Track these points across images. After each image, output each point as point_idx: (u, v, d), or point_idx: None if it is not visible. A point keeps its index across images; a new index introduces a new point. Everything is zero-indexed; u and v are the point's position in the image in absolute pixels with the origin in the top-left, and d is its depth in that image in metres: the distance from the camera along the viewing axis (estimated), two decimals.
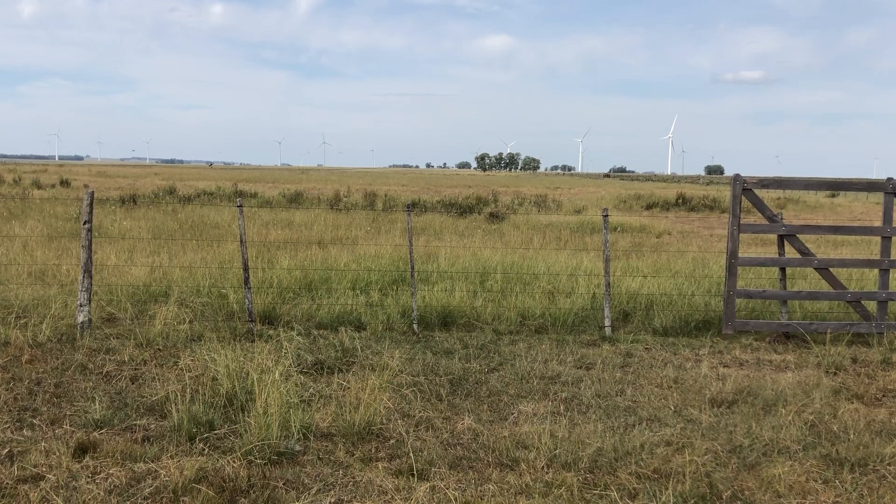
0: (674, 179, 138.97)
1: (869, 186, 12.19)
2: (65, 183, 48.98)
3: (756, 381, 8.68)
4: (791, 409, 7.54)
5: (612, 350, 10.28)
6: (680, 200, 43.30)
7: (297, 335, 9.63)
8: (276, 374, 7.10)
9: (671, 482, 5.79)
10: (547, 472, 6.03)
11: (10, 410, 7.20)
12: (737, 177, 11.68)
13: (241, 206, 11.54)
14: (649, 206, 41.17)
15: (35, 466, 5.85)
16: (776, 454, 6.53)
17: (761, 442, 6.78)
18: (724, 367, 9.49)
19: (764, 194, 54.25)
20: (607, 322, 11.29)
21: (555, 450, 6.36)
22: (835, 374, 9.13)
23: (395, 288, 13.03)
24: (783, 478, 5.94)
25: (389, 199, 36.51)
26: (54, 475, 5.67)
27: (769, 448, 6.67)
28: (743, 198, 11.63)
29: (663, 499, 5.55)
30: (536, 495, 5.64)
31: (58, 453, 6.09)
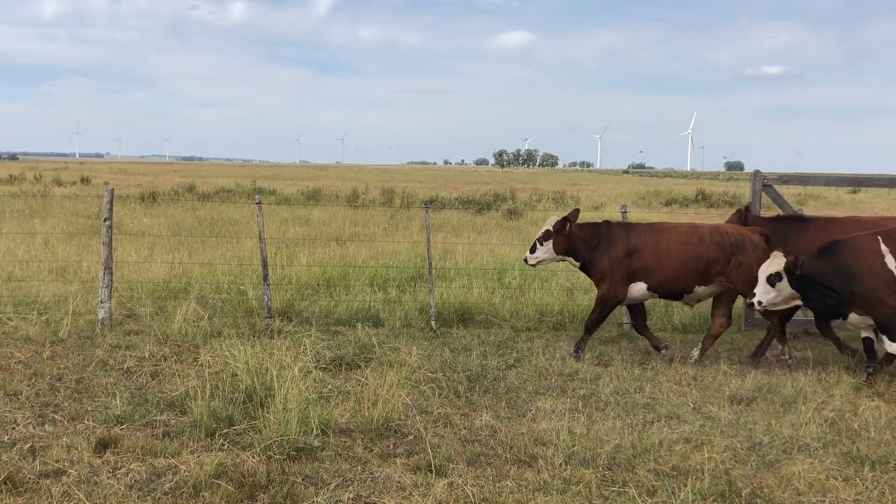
0: (693, 175, 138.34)
1: (891, 182, 12.12)
2: (85, 180, 49.32)
3: (776, 379, 8.63)
4: (811, 407, 7.49)
5: (631, 347, 10.26)
6: (699, 197, 43.04)
7: (316, 331, 9.66)
8: (295, 371, 7.13)
9: (690, 479, 5.77)
10: (565, 469, 6.03)
11: (31, 406, 7.27)
12: (756, 173, 11.63)
13: (259, 203, 11.59)
14: (668, 203, 40.97)
15: (57, 461, 5.91)
16: (796, 451, 6.50)
17: (781, 439, 6.74)
18: (744, 364, 9.44)
19: (784, 190, 53.78)
20: (626, 319, 11.26)
21: (573, 446, 6.36)
22: (855, 371, 9.06)
23: (412, 285, 13.05)
24: (803, 475, 5.90)
25: (407, 195, 36.50)
26: (76, 470, 5.72)
27: (789, 445, 6.63)
28: (763, 194, 11.57)
29: (682, 496, 5.53)
30: (554, 492, 5.64)
31: (79, 448, 6.14)
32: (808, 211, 17.85)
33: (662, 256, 9.48)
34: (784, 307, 9.02)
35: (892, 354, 8.62)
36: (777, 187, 11.74)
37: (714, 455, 6.22)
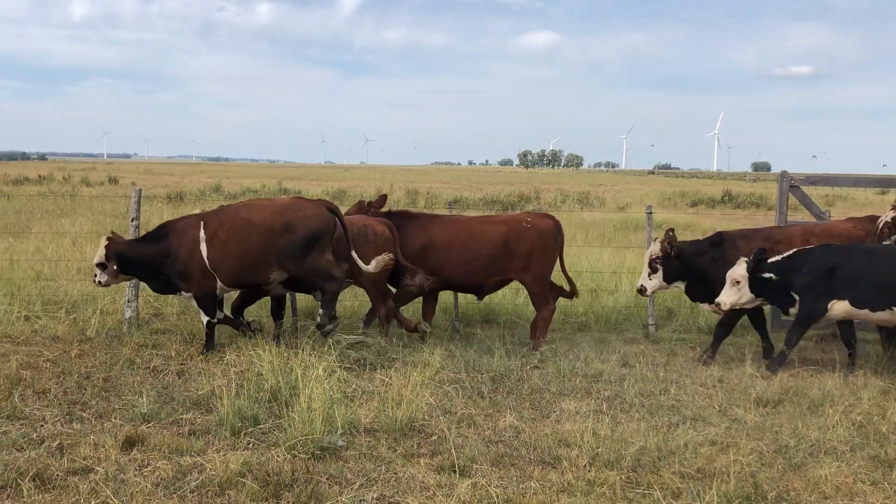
0: (720, 176, 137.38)
1: None
2: (113, 180, 49.79)
3: (802, 381, 8.55)
4: (838, 410, 7.41)
5: (656, 348, 10.21)
6: (726, 197, 42.76)
7: (341, 331, 9.68)
8: (320, 370, 7.16)
9: (715, 482, 5.73)
10: (589, 471, 6.01)
11: (60, 404, 7.36)
12: (784, 173, 11.53)
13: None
14: (694, 204, 40.72)
15: (84, 459, 5.97)
16: (823, 455, 6.44)
17: (808, 442, 6.68)
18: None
19: (811, 191, 53.29)
20: (651, 320, 11.21)
21: (597, 448, 6.33)
22: (883, 373, 8.96)
23: None
24: (830, 479, 5.84)
25: (431, 196, 36.57)
26: (103, 468, 5.78)
27: (816, 448, 6.57)
28: (790, 195, 11.47)
29: (707, 498, 5.50)
30: (578, 493, 5.62)
31: (106, 446, 6.20)
32: (836, 213, 17.62)
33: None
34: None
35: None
36: (804, 188, 11.64)
37: (740, 458, 6.18)
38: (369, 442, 6.60)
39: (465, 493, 5.53)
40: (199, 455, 6.10)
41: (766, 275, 9.01)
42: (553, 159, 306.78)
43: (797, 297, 9.06)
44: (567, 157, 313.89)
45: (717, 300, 9.18)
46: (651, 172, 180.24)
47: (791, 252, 9.17)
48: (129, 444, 6.31)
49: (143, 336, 9.86)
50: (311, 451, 6.17)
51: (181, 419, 7.00)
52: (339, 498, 5.47)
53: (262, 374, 7.57)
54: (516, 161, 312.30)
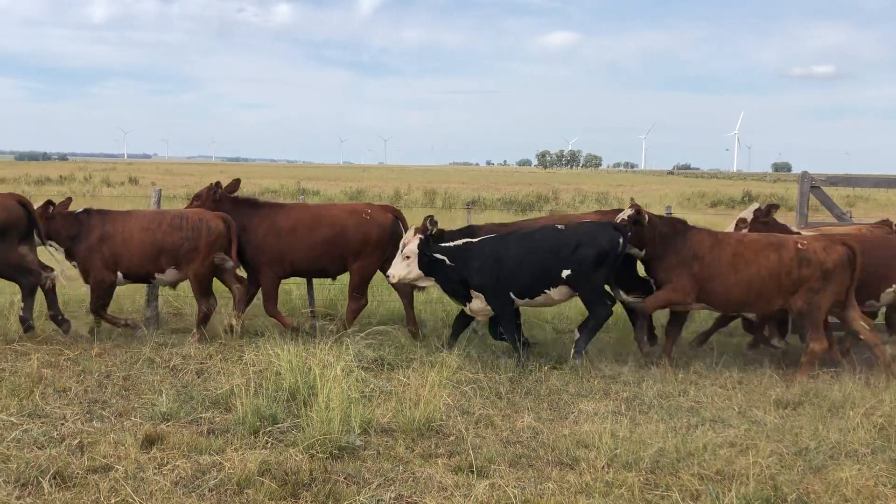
0: (739, 177, 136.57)
1: None
2: (133, 181, 50.09)
3: (823, 383, 8.48)
4: (859, 412, 7.33)
5: (675, 349, 10.14)
6: (746, 198, 42.51)
7: (358, 331, 9.69)
8: (338, 370, 7.17)
9: (734, 484, 5.71)
10: (607, 472, 5.99)
11: (80, 402, 7.41)
12: (804, 174, 11.45)
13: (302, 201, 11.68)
14: (714, 204, 40.52)
15: (104, 457, 6.01)
16: (844, 457, 6.38)
17: (828, 444, 6.62)
18: (791, 367, 9.28)
19: (832, 192, 52.89)
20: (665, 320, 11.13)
21: (615, 449, 6.31)
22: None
23: None
24: (851, 482, 5.79)
25: (449, 196, 36.57)
26: (123, 466, 5.81)
27: (836, 451, 6.52)
28: (811, 195, 11.39)
29: (726, 500, 5.47)
30: (596, 495, 5.61)
31: (126, 444, 6.24)
32: (857, 214, 17.51)
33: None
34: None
35: None
36: (825, 189, 11.56)
37: (759, 460, 6.13)
38: (387, 442, 6.61)
39: (483, 494, 5.53)
40: (217, 454, 6.13)
41: (439, 256, 9.11)
42: (571, 159, 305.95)
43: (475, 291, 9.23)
44: (586, 157, 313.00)
45: (388, 272, 9.38)
46: (670, 173, 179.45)
47: (464, 241, 9.33)
48: (149, 442, 6.34)
49: (163, 335, 9.91)
50: (328, 451, 6.19)
51: (200, 418, 7.03)
52: (357, 497, 5.48)
53: (280, 374, 7.59)
54: (534, 161, 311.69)
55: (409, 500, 5.57)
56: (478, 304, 9.30)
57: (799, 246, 8.86)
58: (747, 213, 10.23)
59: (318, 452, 6.14)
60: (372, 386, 7.94)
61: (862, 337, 9.02)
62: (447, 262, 9.14)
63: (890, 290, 9.45)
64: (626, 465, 6.09)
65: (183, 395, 7.59)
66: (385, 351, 9.16)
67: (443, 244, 9.26)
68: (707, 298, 9.17)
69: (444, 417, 7.13)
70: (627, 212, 9.16)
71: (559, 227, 9.29)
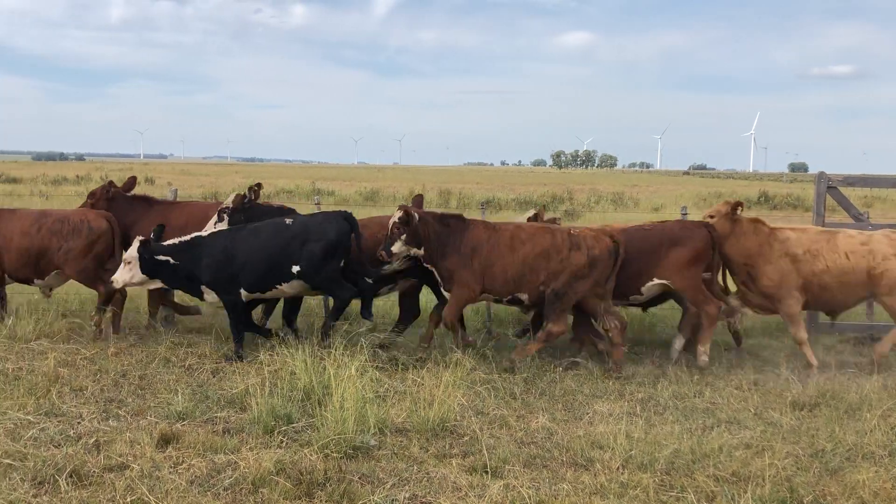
0: (756, 177, 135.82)
1: None
2: (150, 181, 50.23)
3: (839, 384, 8.43)
4: (876, 414, 7.29)
5: (690, 350, 10.10)
6: (762, 199, 42.26)
7: (372, 331, 9.70)
8: (352, 370, 7.18)
9: (750, 486, 5.68)
10: (622, 473, 5.98)
11: (97, 401, 7.46)
12: (821, 174, 11.39)
13: (318, 203, 11.72)
14: None
15: (120, 456, 6.05)
16: (860, 459, 6.35)
17: (844, 446, 6.58)
18: (806, 369, 9.23)
19: (850, 192, 52.48)
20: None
21: (630, 450, 6.29)
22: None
23: None
24: (867, 484, 5.75)
25: (464, 196, 36.54)
26: (139, 465, 5.85)
27: (853, 453, 6.48)
28: (828, 196, 11.32)
29: (742, 502, 5.46)
30: (611, 496, 5.60)
31: (142, 443, 6.27)
32: (874, 214, 17.39)
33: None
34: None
35: None
36: (842, 189, 11.48)
37: (775, 461, 6.10)
38: (401, 442, 6.61)
39: (497, 494, 5.53)
40: (232, 453, 6.15)
41: (161, 257, 9.08)
42: (587, 159, 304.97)
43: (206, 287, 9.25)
44: (601, 157, 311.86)
45: (112, 278, 9.28)
46: (686, 173, 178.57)
47: (190, 237, 9.32)
48: (165, 441, 6.38)
49: (179, 335, 9.96)
50: (343, 451, 6.20)
51: (215, 417, 7.06)
52: (372, 497, 5.49)
53: (295, 373, 7.62)
54: (549, 161, 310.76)
55: (424, 500, 5.57)
56: (210, 297, 9.37)
57: (571, 232, 9.19)
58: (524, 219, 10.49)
59: (332, 452, 6.15)
60: (386, 386, 7.95)
61: (606, 329, 9.25)
62: (171, 261, 9.11)
63: (651, 283, 9.49)
64: (641, 467, 6.07)
65: (198, 395, 7.62)
66: (399, 350, 9.18)
67: (166, 243, 9.21)
68: (489, 286, 9.28)
69: (458, 418, 7.14)
70: (397, 214, 9.18)
71: (287, 221, 9.32)
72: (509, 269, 9.15)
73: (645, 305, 10.33)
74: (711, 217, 9.53)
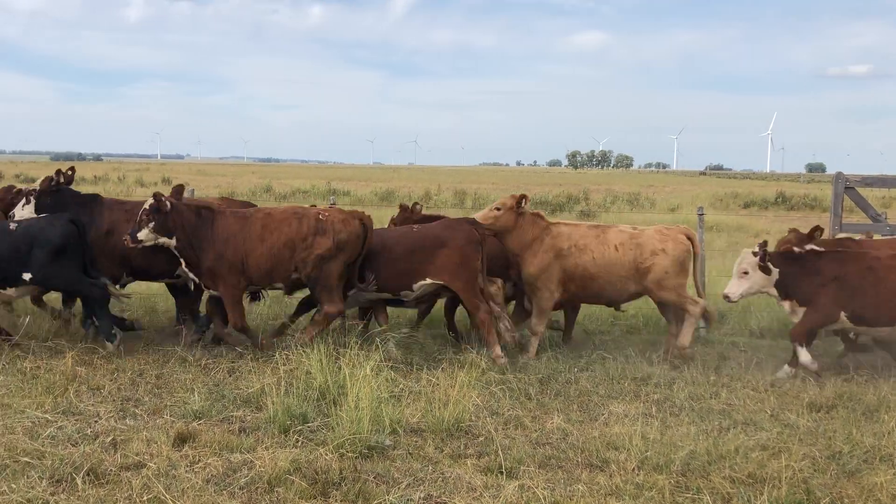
0: (773, 177, 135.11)
1: None
2: (166, 181, 50.49)
3: (857, 386, 8.38)
4: (894, 416, 7.24)
5: (707, 351, 10.07)
6: (779, 199, 42.02)
7: (387, 331, 9.72)
8: (367, 370, 7.19)
9: (766, 487, 5.65)
10: (638, 474, 5.96)
11: (114, 400, 7.50)
12: (839, 175, 11.32)
13: (334, 204, 11.73)
14: (747, 205, 40.09)
15: (137, 454, 6.08)
16: (878, 462, 6.30)
17: (862, 449, 6.54)
18: (824, 370, 9.17)
19: (867, 193, 52.12)
20: (702, 323, 11.05)
21: (646, 451, 6.28)
22: None
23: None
24: (885, 486, 5.71)
25: (479, 197, 36.53)
26: (155, 463, 5.88)
27: (870, 455, 6.43)
28: (845, 196, 11.25)
29: None
30: (627, 497, 5.58)
31: (158, 442, 6.31)
32: (892, 215, 17.22)
33: None
34: None
35: None
36: (860, 189, 11.42)
37: (792, 463, 6.07)
38: (416, 442, 6.62)
39: (512, 495, 5.52)
40: (248, 452, 6.18)
41: None
42: (602, 160, 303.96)
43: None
44: (617, 157, 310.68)
45: None
46: (702, 173, 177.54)
47: None
48: (181, 440, 6.41)
49: (195, 334, 9.97)
50: (358, 450, 6.21)
51: (231, 416, 7.09)
52: (387, 497, 5.50)
53: (310, 373, 7.64)
54: (565, 162, 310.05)
55: (439, 500, 5.57)
56: None
57: (319, 217, 9.22)
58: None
59: (347, 452, 6.16)
60: (401, 386, 7.95)
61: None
62: None
63: (423, 282, 9.46)
64: (657, 468, 6.05)
65: (215, 394, 7.65)
66: (413, 351, 9.18)
67: None
68: (249, 278, 9.26)
69: (473, 418, 7.13)
70: (148, 202, 9.15)
71: (11, 226, 9.04)
72: (262, 261, 9.14)
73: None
74: (498, 209, 9.61)
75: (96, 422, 6.88)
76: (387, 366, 8.00)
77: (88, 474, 5.65)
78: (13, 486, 5.40)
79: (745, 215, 32.72)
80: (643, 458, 6.19)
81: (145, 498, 5.35)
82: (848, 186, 11.20)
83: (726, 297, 9.15)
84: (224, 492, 5.53)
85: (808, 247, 9.18)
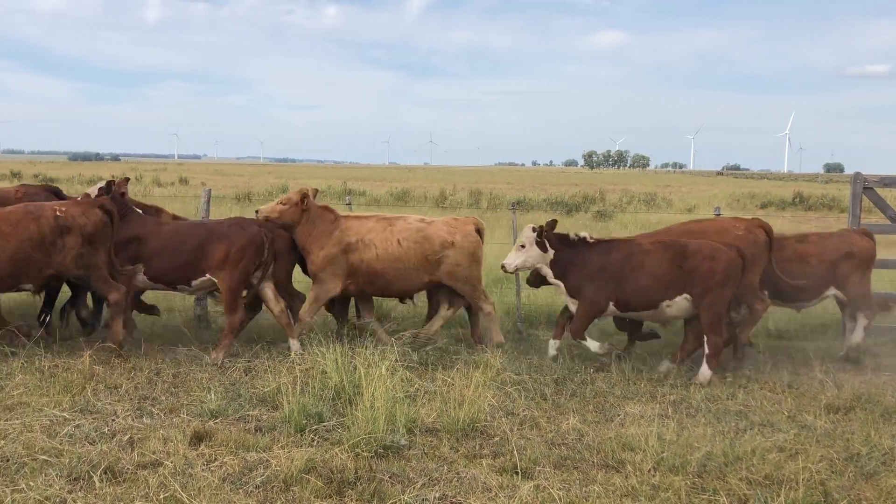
0: (791, 177, 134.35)
1: None
2: (183, 181, 50.79)
3: (875, 387, 8.32)
4: None
5: (724, 352, 10.00)
6: (796, 199, 41.77)
7: (403, 331, 9.73)
8: (383, 369, 7.20)
9: (783, 489, 5.61)
10: (654, 475, 5.94)
11: (130, 399, 7.54)
12: (857, 175, 11.24)
13: (349, 204, 11.77)
14: (764, 206, 39.85)
15: (154, 453, 6.10)
16: None
17: (880, 450, 6.50)
18: (842, 371, 9.11)
19: (886, 193, 51.70)
20: None
21: (662, 453, 6.25)
22: None
23: (499, 286, 13.01)
24: None
25: (494, 197, 36.46)
26: (172, 462, 5.90)
27: (889, 457, 6.39)
28: (864, 197, 11.17)
29: None
30: (643, 498, 5.56)
31: (175, 441, 6.33)
32: None
33: None
34: None
35: None
36: (879, 190, 11.33)
37: (809, 465, 6.03)
38: (431, 442, 6.62)
39: (528, 495, 5.51)
40: (264, 451, 6.20)
41: None
42: (619, 160, 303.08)
43: None
44: (633, 157, 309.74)
45: None
46: (720, 173, 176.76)
47: None
48: (197, 439, 6.43)
49: (212, 333, 10.04)
50: (373, 450, 6.22)
51: (248, 415, 7.11)
52: (402, 497, 5.50)
53: (326, 373, 7.65)
54: (581, 161, 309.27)
55: (454, 500, 5.57)
56: None
57: (57, 213, 8.62)
58: (92, 190, 10.16)
59: (363, 451, 6.17)
60: (416, 386, 7.96)
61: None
62: None
63: (204, 278, 9.24)
64: (673, 469, 6.03)
65: (231, 393, 7.68)
66: (429, 351, 9.19)
67: None
68: None
69: (488, 418, 7.13)
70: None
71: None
72: (4, 264, 8.45)
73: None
74: (283, 204, 9.68)
75: (113, 420, 6.91)
76: (402, 365, 8.00)
77: (105, 472, 5.67)
78: (31, 483, 5.43)
79: (762, 215, 32.53)
80: (659, 459, 6.17)
81: (161, 496, 5.37)
82: (866, 187, 11.11)
83: (503, 267, 9.40)
84: (240, 490, 5.55)
85: (581, 235, 9.38)
